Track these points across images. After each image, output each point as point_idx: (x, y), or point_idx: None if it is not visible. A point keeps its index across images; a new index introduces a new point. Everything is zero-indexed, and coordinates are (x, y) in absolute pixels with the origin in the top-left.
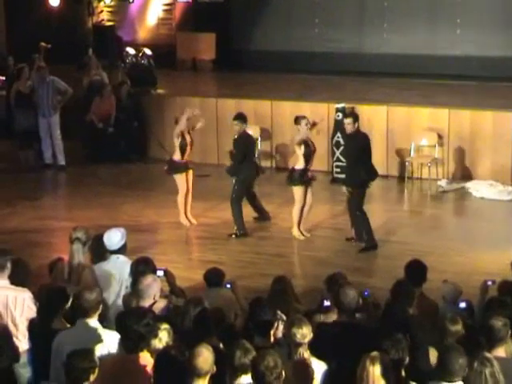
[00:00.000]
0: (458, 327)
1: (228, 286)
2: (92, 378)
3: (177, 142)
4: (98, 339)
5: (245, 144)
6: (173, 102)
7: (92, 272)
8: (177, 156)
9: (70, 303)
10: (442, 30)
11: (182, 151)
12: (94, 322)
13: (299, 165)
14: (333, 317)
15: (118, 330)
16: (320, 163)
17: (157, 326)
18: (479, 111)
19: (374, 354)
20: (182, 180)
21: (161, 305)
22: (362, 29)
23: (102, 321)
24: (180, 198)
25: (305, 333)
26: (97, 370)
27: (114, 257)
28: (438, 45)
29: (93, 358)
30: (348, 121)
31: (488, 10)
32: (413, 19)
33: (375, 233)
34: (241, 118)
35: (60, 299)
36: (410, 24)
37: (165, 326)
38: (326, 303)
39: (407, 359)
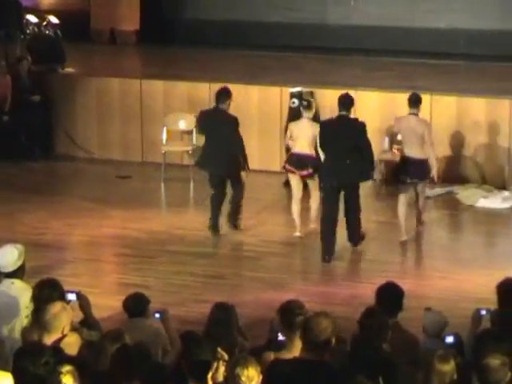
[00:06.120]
0: (449, 367)
1: (157, 315)
2: None
3: None
4: None
5: None
6: (86, 83)
7: None
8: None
9: None
10: None
11: None
12: None
13: None
14: (286, 355)
15: (12, 372)
16: (271, 162)
17: (59, 368)
18: (468, 98)
19: None
20: None
21: (71, 340)
22: None
23: None
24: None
25: (251, 375)
26: None
27: (7, 281)
28: (418, 15)
29: None
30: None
31: None
32: None
33: (340, 250)
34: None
35: None
36: None
37: (68, 367)
38: (280, 338)
39: None
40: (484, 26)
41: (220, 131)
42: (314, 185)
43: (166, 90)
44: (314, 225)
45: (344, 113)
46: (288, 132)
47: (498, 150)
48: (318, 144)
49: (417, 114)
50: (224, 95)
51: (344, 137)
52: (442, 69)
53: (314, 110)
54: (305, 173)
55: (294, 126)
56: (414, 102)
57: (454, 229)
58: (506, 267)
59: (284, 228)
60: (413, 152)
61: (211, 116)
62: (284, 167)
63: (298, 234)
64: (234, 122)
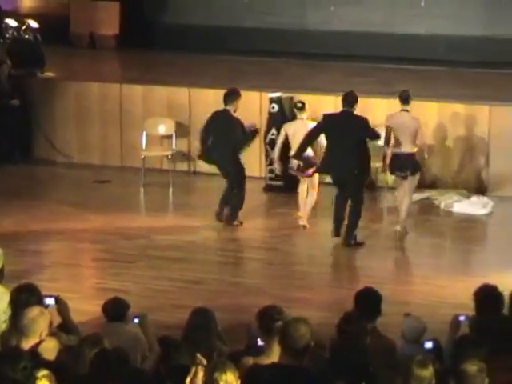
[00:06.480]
0: (428, 372)
1: (136, 320)
2: None
3: None
4: None
5: None
6: (66, 87)
7: None
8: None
9: None
10: (403, 1)
11: None
12: None
13: None
14: (265, 360)
15: None
16: (251, 167)
17: (35, 373)
18: (449, 103)
19: None
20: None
21: (49, 345)
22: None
23: None
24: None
25: (229, 380)
26: None
27: None
28: (398, 21)
29: None
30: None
31: None
32: None
33: (320, 256)
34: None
35: None
36: None
37: (44, 372)
38: (260, 343)
39: None
40: (464, 32)
41: (221, 131)
42: (312, 182)
43: (146, 94)
44: (304, 222)
45: (348, 109)
46: (281, 133)
47: (477, 156)
48: (310, 132)
49: (408, 111)
50: (230, 96)
51: (347, 132)
52: (421, 75)
53: (308, 112)
54: (309, 173)
55: (289, 128)
56: (405, 98)
57: (432, 234)
58: (484, 273)
59: (264, 233)
60: (404, 147)
61: (219, 116)
62: (292, 171)
63: (301, 219)
64: (235, 123)
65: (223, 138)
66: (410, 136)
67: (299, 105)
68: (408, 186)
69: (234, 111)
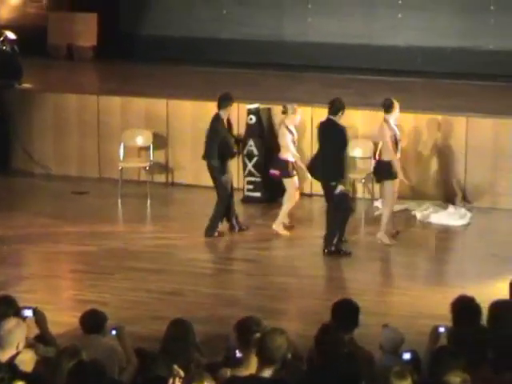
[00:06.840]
0: (406, 383)
1: (113, 332)
2: None
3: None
4: None
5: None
6: (43, 99)
7: None
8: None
9: None
10: (380, 13)
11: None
12: None
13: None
14: (243, 372)
15: None
16: None
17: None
18: (426, 115)
19: None
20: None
21: (26, 357)
22: (281, 10)
23: None
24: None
25: None
26: None
27: None
28: (376, 32)
29: None
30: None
31: None
32: None
33: (298, 267)
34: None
35: None
36: (340, 5)
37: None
38: (238, 354)
39: None
40: (441, 43)
41: (207, 135)
42: (287, 185)
43: (124, 105)
44: (277, 228)
45: (331, 117)
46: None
47: (456, 167)
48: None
49: (388, 120)
50: (223, 101)
51: (326, 140)
52: (398, 86)
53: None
54: (271, 172)
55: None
56: (387, 107)
57: (410, 245)
58: (461, 284)
59: (242, 244)
60: (382, 155)
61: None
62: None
63: (274, 224)
64: (214, 128)
65: (213, 145)
66: (385, 144)
67: (289, 110)
68: (384, 194)
69: (227, 116)
